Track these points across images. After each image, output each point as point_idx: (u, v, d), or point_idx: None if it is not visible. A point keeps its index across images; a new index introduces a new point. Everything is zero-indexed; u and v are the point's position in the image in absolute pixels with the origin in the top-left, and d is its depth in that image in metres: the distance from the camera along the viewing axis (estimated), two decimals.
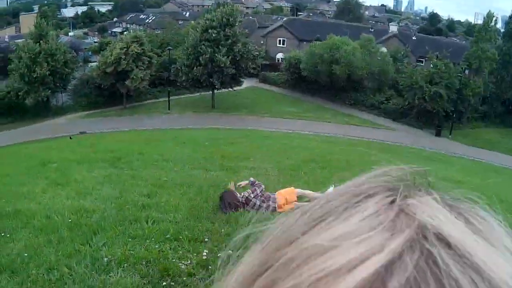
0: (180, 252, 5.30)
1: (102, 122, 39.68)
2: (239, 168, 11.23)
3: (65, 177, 10.13)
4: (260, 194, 7.41)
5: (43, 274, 4.75)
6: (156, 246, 5.43)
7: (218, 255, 5.23)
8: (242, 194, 7.33)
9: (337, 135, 35.61)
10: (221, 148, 15.79)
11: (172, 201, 7.52)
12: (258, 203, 7.26)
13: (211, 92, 47.64)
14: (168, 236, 5.76)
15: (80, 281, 4.60)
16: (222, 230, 6.02)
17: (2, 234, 5.99)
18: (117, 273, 4.77)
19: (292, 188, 7.85)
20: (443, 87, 43.60)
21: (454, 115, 45.02)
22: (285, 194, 7.57)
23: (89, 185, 9.02)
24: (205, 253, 5.23)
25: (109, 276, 4.73)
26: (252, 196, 7.30)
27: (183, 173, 10.46)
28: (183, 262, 5.06)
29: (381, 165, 0.52)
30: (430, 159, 23.30)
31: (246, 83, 51.93)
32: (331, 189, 6.73)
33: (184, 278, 4.70)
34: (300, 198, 7.63)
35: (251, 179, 7.73)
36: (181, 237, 5.72)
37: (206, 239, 5.71)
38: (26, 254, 5.25)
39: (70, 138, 25.94)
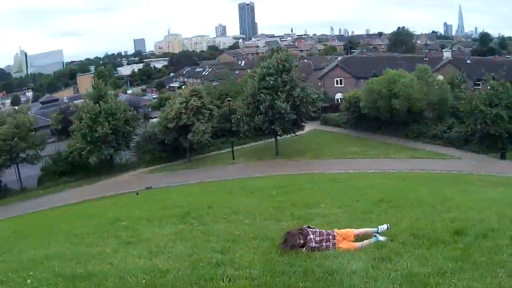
0: None
1: (167, 177, 40.27)
2: (310, 215, 10.97)
3: (136, 235, 10.10)
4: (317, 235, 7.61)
5: None
6: None
7: None
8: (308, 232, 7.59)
9: (403, 169, 34.93)
10: (290, 196, 15.57)
11: (246, 256, 7.27)
12: (316, 245, 7.47)
13: (273, 139, 48.19)
14: None
15: None
16: (301, 284, 5.70)
17: None
18: None
19: (352, 230, 8.13)
20: (503, 108, 42.74)
21: None
22: (343, 234, 7.88)
23: (161, 243, 8.92)
24: None
25: None
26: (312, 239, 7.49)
27: (255, 225, 10.24)
28: None
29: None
30: (497, 184, 22.41)
31: (308, 127, 52.56)
32: (385, 226, 8.34)
33: None
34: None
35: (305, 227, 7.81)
36: None
37: None
38: None
39: (137, 194, 26.30)
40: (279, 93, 44.62)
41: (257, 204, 13.76)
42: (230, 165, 45.77)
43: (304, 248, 7.40)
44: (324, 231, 7.81)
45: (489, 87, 45.96)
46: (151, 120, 59.26)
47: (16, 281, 6.82)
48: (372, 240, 7.94)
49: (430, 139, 50.16)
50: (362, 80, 63.08)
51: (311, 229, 7.71)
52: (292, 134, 48.58)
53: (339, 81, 69.17)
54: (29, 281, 6.53)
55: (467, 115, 45.83)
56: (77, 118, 45.04)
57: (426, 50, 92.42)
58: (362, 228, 8.38)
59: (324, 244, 7.56)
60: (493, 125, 42.96)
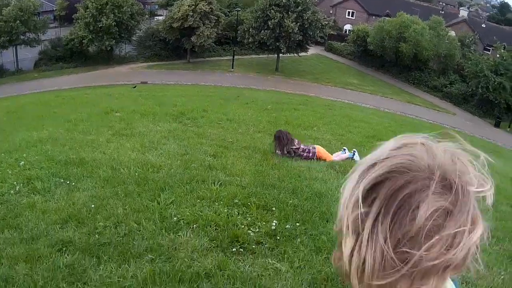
0: (249, 219, 5.12)
1: (164, 74, 39.95)
2: (303, 137, 10.96)
3: (129, 128, 10.05)
4: (305, 149, 8.97)
5: (111, 227, 4.65)
6: (225, 210, 5.26)
7: (286, 226, 5.04)
8: (293, 142, 8.85)
9: (397, 112, 34.96)
10: (284, 114, 15.55)
11: (238, 165, 7.34)
12: (304, 152, 8.88)
13: (276, 55, 47.71)
14: (236, 201, 5.58)
15: (149, 237, 4.49)
16: (290, 201, 5.79)
17: (68, 182, 5.92)
18: (186, 233, 4.63)
19: (330, 156, 9.24)
20: (508, 79, 42.75)
21: None
22: (321, 151, 9.20)
23: (154, 139, 8.92)
24: (274, 224, 5.03)
25: (178, 235, 4.60)
26: (302, 149, 8.88)
27: (248, 135, 10.28)
28: (251, 229, 4.88)
29: None
30: (487, 149, 22.44)
31: (312, 50, 52.02)
32: (356, 155, 9.26)
33: (253, 246, 4.53)
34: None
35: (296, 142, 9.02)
36: (249, 203, 5.53)
37: (273, 208, 5.50)
38: (93, 205, 5.16)
39: (134, 87, 26.05)
40: (289, 12, 43.88)
41: (252, 116, 13.73)
42: (228, 73, 45.45)
43: (286, 151, 8.67)
44: (308, 146, 9.17)
45: (498, 55, 45.67)
46: (156, 17, 58.02)
47: (8, 162, 6.86)
48: (349, 155, 9.34)
49: (430, 89, 50.18)
50: (374, 17, 61.55)
51: (294, 141, 8.93)
52: (295, 54, 48.13)
53: (351, 13, 67.43)
54: (22, 163, 6.55)
55: (470, 76, 45.82)
56: (83, 7, 44.05)
57: (444, 4, 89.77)
58: (339, 155, 9.41)
59: (305, 154, 8.87)
60: (494, 92, 43.27)
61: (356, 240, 0.94)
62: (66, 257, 3.99)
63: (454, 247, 0.93)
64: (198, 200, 5.52)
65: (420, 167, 0.94)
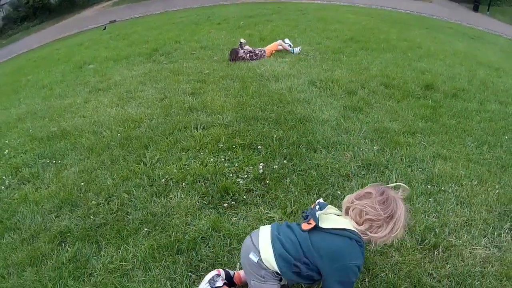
0: (236, 165, 5.11)
1: (131, 8, 38.85)
2: (280, 52, 10.84)
3: (105, 80, 9.92)
4: (257, 53, 10.47)
5: (104, 204, 4.66)
6: (211, 159, 5.25)
7: (274, 167, 5.05)
8: (244, 50, 10.43)
9: (372, 6, 34.09)
10: (258, 28, 15.22)
11: (218, 100, 7.28)
12: (256, 55, 10.41)
13: None
14: (221, 145, 5.56)
15: (141, 207, 4.49)
16: (274, 135, 5.77)
17: (54, 162, 5.88)
18: (177, 194, 4.64)
19: (276, 43, 11.16)
20: None
21: None
22: (270, 48, 10.92)
23: (131, 87, 8.82)
24: (261, 166, 5.03)
25: (169, 198, 4.61)
26: (254, 52, 10.45)
27: (224, 62, 10.12)
28: (240, 176, 4.89)
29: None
30: (468, 36, 22.07)
31: None
32: (298, 49, 11.01)
33: (244, 196, 4.55)
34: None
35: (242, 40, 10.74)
36: (234, 146, 5.51)
37: (259, 147, 5.49)
38: (82, 183, 5.14)
39: (104, 29, 25.43)
40: None
41: (225, 38, 13.46)
42: None
43: (241, 57, 10.25)
44: (257, 49, 10.73)
45: None
46: None
47: None
48: (290, 50, 11.10)
49: None
50: None
51: (247, 47, 10.58)
52: None
53: None
54: (6, 151, 6.48)
55: None
56: None
57: None
58: (284, 45, 11.18)
59: (256, 56, 10.37)
60: None
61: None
62: (67, 250, 4.01)
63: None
64: (183, 153, 5.50)
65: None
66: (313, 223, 2.88)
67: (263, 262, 2.95)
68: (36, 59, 18.73)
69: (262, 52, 10.54)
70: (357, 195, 2.93)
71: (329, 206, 3.06)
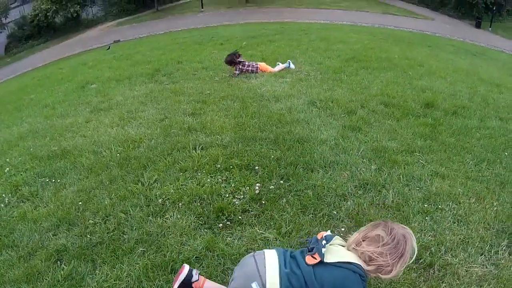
0: (232, 185, 5.14)
1: (135, 28, 39.30)
2: (280, 73, 10.87)
3: (106, 100, 9.98)
4: (249, 65, 11.04)
5: (101, 224, 4.69)
6: (208, 180, 5.29)
7: (270, 187, 5.09)
8: (240, 62, 10.96)
9: (375, 25, 34.39)
10: (260, 49, 15.34)
11: (217, 120, 7.33)
12: (249, 68, 11.00)
13: None
14: (218, 166, 5.60)
15: (137, 227, 4.53)
16: (272, 155, 5.81)
17: (53, 180, 5.92)
18: (173, 214, 4.68)
19: (270, 69, 11.33)
20: None
21: (494, 8, 43.34)
22: (263, 67, 11.23)
23: (132, 107, 8.87)
24: (257, 187, 5.07)
25: (165, 218, 4.64)
26: (246, 65, 11.00)
27: (224, 82, 10.18)
28: (236, 197, 4.93)
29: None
30: (471, 52, 22.24)
31: None
32: (291, 64, 11.54)
33: (239, 217, 4.58)
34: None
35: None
36: (231, 166, 5.56)
37: (256, 167, 5.54)
38: (80, 202, 5.18)
39: (108, 48, 25.63)
40: None
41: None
42: (199, 13, 44.75)
43: (235, 68, 11.00)
44: (252, 62, 11.21)
45: None
46: None
47: None
48: (285, 65, 11.47)
49: None
50: None
51: (244, 61, 11.05)
52: None
53: None
54: (7, 169, 6.53)
55: None
56: None
57: None
58: (278, 67, 11.46)
59: (250, 69, 10.96)
60: None
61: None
62: (63, 268, 4.04)
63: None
64: (181, 173, 5.54)
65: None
66: (318, 259, 2.90)
67: None
68: (39, 78, 18.87)
69: (255, 66, 11.12)
70: (364, 235, 2.93)
71: (336, 237, 3.09)
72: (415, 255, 2.87)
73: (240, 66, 10.94)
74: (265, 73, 10.96)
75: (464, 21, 44.62)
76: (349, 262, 2.84)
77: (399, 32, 28.31)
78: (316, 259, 2.91)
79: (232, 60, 10.95)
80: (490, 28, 42.72)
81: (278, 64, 11.57)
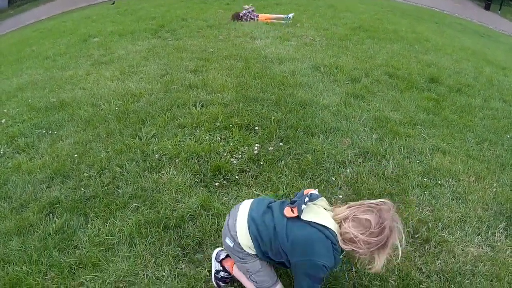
0: (231, 144, 5.05)
1: None
2: (286, 35, 10.65)
3: (108, 53, 9.83)
4: (251, 14, 13.17)
5: (95, 177, 4.61)
6: (207, 137, 5.20)
7: (269, 148, 4.99)
8: (244, 12, 13.18)
9: None
10: (266, 10, 15.07)
11: (219, 78, 7.20)
12: (250, 17, 13.07)
13: None
14: (218, 124, 5.50)
15: (133, 182, 4.46)
16: (272, 117, 5.70)
17: (50, 132, 5.84)
18: (169, 170, 4.60)
19: (270, 15, 13.42)
20: None
21: None
22: (263, 17, 13.21)
23: (133, 61, 8.74)
24: (256, 147, 4.97)
25: (161, 174, 4.56)
26: (247, 15, 13.08)
27: (229, 42, 10.00)
28: (234, 156, 4.84)
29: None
30: (478, 33, 21.82)
31: None
32: (291, 14, 13.14)
33: (236, 176, 4.50)
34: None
35: (247, 7, 13.52)
36: (231, 125, 5.46)
37: (256, 128, 5.43)
38: (76, 155, 5.10)
39: (113, 3, 25.25)
40: None
41: (232, 18, 13.37)
42: None
43: (241, 20, 12.91)
44: (252, 12, 13.32)
45: None
46: None
47: None
48: (285, 16, 13.07)
49: None
50: None
51: (246, 13, 13.16)
52: None
53: None
54: (3, 120, 6.43)
55: None
56: None
57: None
58: (277, 15, 13.42)
59: (250, 18, 13.03)
60: None
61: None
62: (55, 221, 3.98)
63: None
64: (179, 129, 5.45)
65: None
66: (296, 213, 2.76)
67: (239, 246, 2.90)
68: (42, 30, 18.59)
69: (255, 15, 13.28)
70: (354, 215, 2.72)
71: (322, 198, 2.96)
72: (400, 250, 2.69)
73: (245, 18, 13.03)
74: (265, 21, 12.82)
75: (474, 2, 44.03)
76: (325, 226, 2.71)
77: (407, 6, 27.79)
78: (293, 212, 2.77)
79: (237, 16, 13.13)
80: (499, 11, 42.14)
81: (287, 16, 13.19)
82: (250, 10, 13.37)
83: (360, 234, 2.63)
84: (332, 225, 2.72)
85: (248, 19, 12.99)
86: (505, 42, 22.42)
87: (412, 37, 12.36)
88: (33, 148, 5.50)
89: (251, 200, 3.07)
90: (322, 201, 2.92)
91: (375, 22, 14.18)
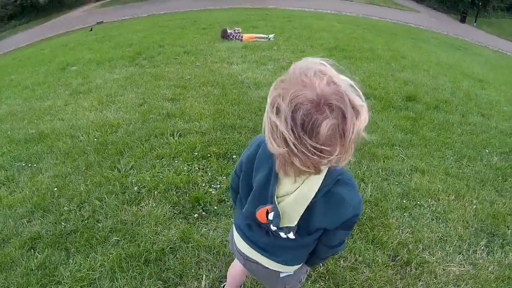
0: (209, 174, 5.14)
1: (119, 10, 38.90)
2: (263, 59, 10.77)
3: (86, 82, 9.87)
4: (237, 34, 14.35)
5: (75, 211, 4.66)
6: (185, 168, 5.28)
7: None
8: (230, 31, 14.43)
9: (360, 15, 34.33)
10: (245, 32, 15.24)
11: (197, 106, 7.30)
12: (235, 37, 14.28)
13: None
14: (196, 154, 5.59)
15: (112, 215, 4.50)
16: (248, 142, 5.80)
17: (29, 165, 5.87)
18: (148, 203, 4.66)
19: (253, 35, 14.57)
20: None
21: (480, 3, 43.87)
22: (247, 37, 14.33)
23: (111, 90, 8.79)
24: None
25: (140, 207, 4.62)
26: (233, 34, 14.33)
27: (206, 67, 10.11)
28: (212, 186, 4.92)
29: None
30: (455, 46, 22.28)
31: None
32: (272, 35, 14.37)
33: (215, 207, 4.57)
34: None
35: (236, 29, 14.76)
36: (209, 154, 5.55)
37: (234, 156, 5.53)
38: (56, 188, 5.13)
39: (91, 30, 25.37)
40: None
41: (209, 43, 13.45)
42: None
43: (227, 39, 14.25)
44: (238, 33, 14.47)
45: None
46: None
47: None
48: (266, 36, 14.40)
49: None
50: None
51: (232, 33, 14.42)
52: None
53: None
54: None
55: None
56: None
57: None
58: (259, 34, 14.68)
59: (235, 38, 14.23)
60: None
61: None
62: (37, 257, 4.00)
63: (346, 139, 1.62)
64: (158, 160, 5.52)
65: (309, 98, 1.52)
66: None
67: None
68: (21, 58, 18.61)
69: (240, 36, 14.33)
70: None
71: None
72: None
73: (230, 37, 14.24)
74: (248, 41, 13.80)
75: (449, 15, 44.99)
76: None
77: (383, 23, 28.25)
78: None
79: (224, 35, 14.41)
80: (475, 23, 43.14)
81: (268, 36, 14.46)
82: (238, 31, 14.51)
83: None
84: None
85: (234, 39, 14.15)
86: (482, 54, 22.87)
87: (388, 55, 12.57)
88: (13, 182, 5.52)
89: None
90: None
91: (351, 41, 14.40)
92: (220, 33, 14.69)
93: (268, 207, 2.05)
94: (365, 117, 1.61)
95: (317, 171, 1.71)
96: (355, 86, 1.62)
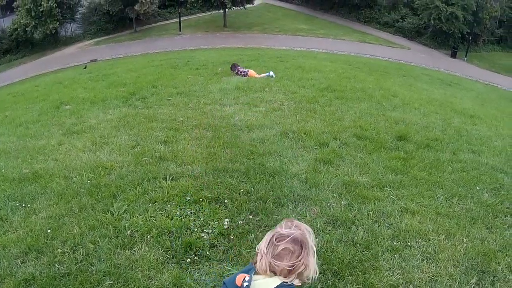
0: (202, 219, 5.24)
1: (112, 48, 39.27)
2: (254, 101, 10.93)
3: (80, 122, 9.95)
4: (242, 71, 15.92)
5: (69, 253, 4.73)
6: (177, 212, 5.38)
7: (239, 222, 5.18)
8: (241, 68, 16.08)
9: (351, 53, 34.91)
10: (235, 76, 15.46)
11: (189, 149, 7.43)
12: (242, 73, 15.80)
13: (222, 11, 47.42)
14: (188, 198, 5.69)
15: (106, 259, 4.58)
16: (242, 188, 5.93)
17: (23, 205, 5.93)
18: (141, 247, 4.75)
19: (255, 74, 15.78)
20: (459, 8, 43.70)
21: (470, 38, 44.80)
22: (251, 73, 15.76)
23: (105, 131, 8.89)
24: (226, 222, 5.17)
25: (133, 251, 4.71)
26: (240, 71, 15.91)
27: (198, 109, 10.26)
28: (205, 231, 5.02)
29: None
30: (445, 82, 22.70)
31: (258, 1, 51.97)
32: (271, 72, 15.52)
33: (207, 252, 4.68)
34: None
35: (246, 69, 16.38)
36: (201, 199, 5.66)
37: (226, 201, 5.65)
38: (49, 230, 5.21)
39: (85, 67, 25.64)
40: None
41: (202, 84, 13.60)
42: (176, 36, 45.12)
43: (236, 72, 16.00)
44: (245, 69, 16.19)
45: None
46: None
47: None
48: (267, 74, 15.49)
49: (382, 26, 51.52)
50: None
51: (240, 67, 16.30)
52: (241, 7, 47.79)
53: None
54: None
55: (421, 8, 46.42)
56: None
57: None
58: (262, 74, 15.71)
59: (242, 73, 15.77)
60: (447, 23, 44.01)
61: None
62: None
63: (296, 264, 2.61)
64: (150, 204, 5.62)
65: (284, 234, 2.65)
66: None
67: None
68: (15, 94, 18.76)
69: (246, 72, 15.91)
70: (273, 254, 2.67)
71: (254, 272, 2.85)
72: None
73: (237, 72, 15.97)
74: (252, 77, 15.19)
75: (440, 51, 45.72)
76: (278, 286, 2.64)
77: (374, 61, 28.71)
78: None
79: (233, 69, 16.28)
80: (465, 58, 43.85)
81: (267, 73, 15.62)
82: (246, 71, 16.03)
83: (290, 261, 2.61)
84: (278, 280, 2.67)
85: (241, 75, 15.76)
86: (472, 88, 23.21)
87: (379, 94, 12.73)
88: (7, 221, 5.58)
89: None
90: (256, 275, 2.80)
91: (343, 81, 14.56)
92: (230, 67, 16.67)
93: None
94: None
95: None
96: None
